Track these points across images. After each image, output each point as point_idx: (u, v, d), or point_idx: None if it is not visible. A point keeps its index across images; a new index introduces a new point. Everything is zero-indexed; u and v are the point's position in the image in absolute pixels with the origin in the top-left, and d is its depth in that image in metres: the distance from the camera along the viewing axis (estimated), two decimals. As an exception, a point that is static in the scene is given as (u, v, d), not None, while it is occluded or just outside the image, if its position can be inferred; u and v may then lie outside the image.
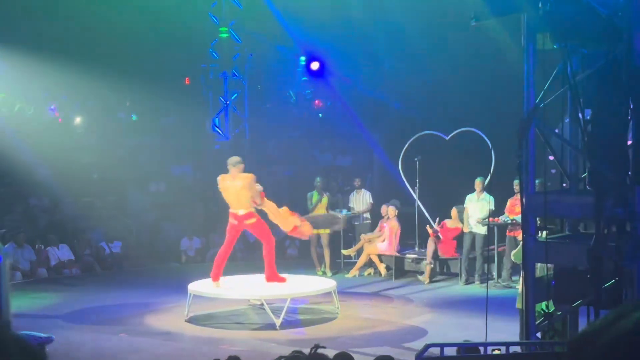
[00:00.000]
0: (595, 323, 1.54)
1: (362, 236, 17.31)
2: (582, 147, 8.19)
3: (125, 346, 11.59)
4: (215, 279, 13.15)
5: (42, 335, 4.21)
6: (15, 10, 21.29)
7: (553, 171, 12.29)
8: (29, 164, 21.13)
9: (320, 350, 2.99)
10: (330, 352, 6.34)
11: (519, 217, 14.92)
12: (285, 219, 13.48)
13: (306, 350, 3.15)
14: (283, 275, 13.51)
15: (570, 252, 7.97)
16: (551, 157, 9.64)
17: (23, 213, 18.70)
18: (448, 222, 16.61)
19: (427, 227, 16.63)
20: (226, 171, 13.19)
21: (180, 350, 11.46)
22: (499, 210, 15.88)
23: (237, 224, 13.06)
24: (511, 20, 8.47)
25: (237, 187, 12.87)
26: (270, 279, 13.25)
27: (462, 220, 16.43)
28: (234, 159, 13.30)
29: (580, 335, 1.54)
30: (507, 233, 15.80)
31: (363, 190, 18.10)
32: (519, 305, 10.02)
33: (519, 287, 10.25)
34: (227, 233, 13.34)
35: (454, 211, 16.54)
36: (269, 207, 13.36)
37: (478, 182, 16.23)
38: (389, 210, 16.91)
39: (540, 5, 7.91)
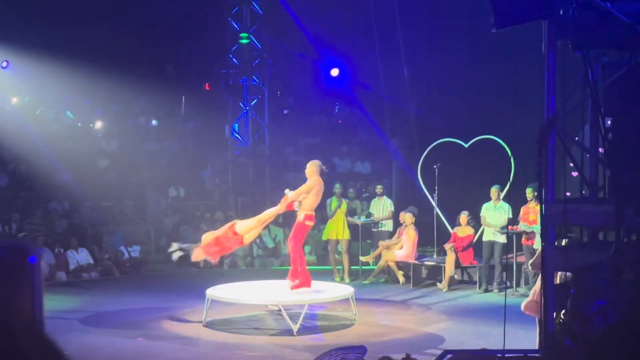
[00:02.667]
0: (612, 327, 1.53)
1: (380, 243, 17.29)
2: (602, 155, 8.15)
3: (142, 350, 11.61)
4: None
5: (356, 345, 4.29)
6: (38, 15, 21.45)
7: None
8: (49, 168, 21.25)
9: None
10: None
11: (534, 226, 14.95)
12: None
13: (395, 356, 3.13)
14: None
15: (589, 261, 7.93)
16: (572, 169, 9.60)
17: (43, 217, 18.80)
18: (459, 231, 16.56)
19: (445, 245, 16.56)
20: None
21: (197, 355, 11.46)
22: (516, 217, 15.84)
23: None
24: (532, 27, 8.45)
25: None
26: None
27: (473, 227, 16.43)
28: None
29: (598, 339, 1.53)
30: (522, 242, 15.77)
31: (384, 197, 18.03)
32: (523, 307, 9.98)
33: (532, 292, 10.21)
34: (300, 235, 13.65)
35: (463, 218, 16.50)
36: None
37: (494, 191, 16.20)
38: (406, 217, 16.89)
39: (561, 12, 7.89)
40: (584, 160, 8.86)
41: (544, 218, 7.98)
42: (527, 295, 14.84)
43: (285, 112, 26.20)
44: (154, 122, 25.26)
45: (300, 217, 13.22)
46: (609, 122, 7.86)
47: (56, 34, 21.00)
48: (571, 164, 9.68)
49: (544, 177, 7.84)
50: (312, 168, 13.61)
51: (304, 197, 13.23)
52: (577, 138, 9.15)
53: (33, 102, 23.44)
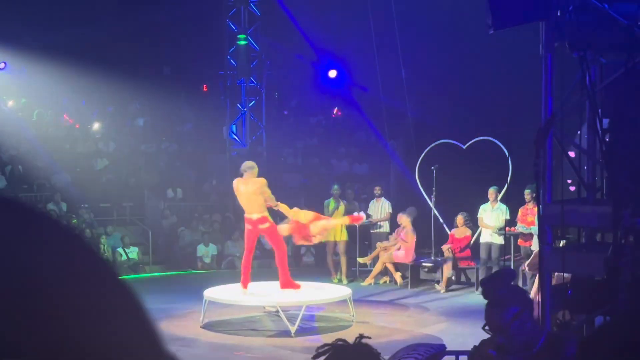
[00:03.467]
0: (606, 325, 1.54)
1: (378, 244, 17.29)
2: (600, 157, 8.16)
3: (140, 351, 11.60)
4: (244, 286, 13.21)
5: (435, 343, 4.35)
6: (35, 17, 21.45)
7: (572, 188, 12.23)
8: (47, 169, 21.25)
9: (364, 341, 3.02)
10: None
11: (532, 228, 14.94)
12: (300, 214, 13.49)
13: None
14: (298, 282, 13.48)
15: (587, 262, 7.93)
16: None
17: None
18: (456, 232, 16.56)
19: (443, 247, 16.57)
20: (242, 176, 13.25)
21: (195, 356, 11.46)
22: (513, 219, 15.84)
23: (252, 228, 13.07)
24: (529, 28, 8.46)
25: (249, 192, 12.87)
26: (284, 285, 13.23)
27: (470, 228, 16.43)
28: (247, 163, 13.37)
29: (591, 337, 1.54)
30: (519, 243, 15.78)
31: (382, 198, 18.05)
32: None
33: (532, 294, 10.21)
34: (245, 239, 13.38)
35: (460, 219, 16.50)
36: (283, 208, 13.44)
37: (491, 192, 16.22)
38: (404, 219, 16.87)
39: (559, 14, 7.89)
40: (582, 161, 8.86)
41: (541, 219, 7.98)
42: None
43: (285, 112, 26.21)
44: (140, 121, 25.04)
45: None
46: (606, 123, 7.86)
47: (53, 35, 21.00)
48: (569, 181, 9.71)
49: (541, 178, 7.83)
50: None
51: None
52: (571, 152, 9.15)
53: (30, 104, 23.44)
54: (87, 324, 0.80)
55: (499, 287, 4.72)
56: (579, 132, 9.20)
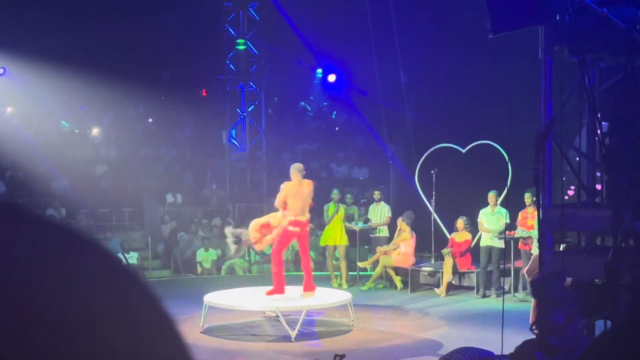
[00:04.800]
0: (607, 332, 1.53)
1: (378, 249, 17.27)
2: (599, 160, 8.15)
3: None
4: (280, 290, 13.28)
5: (484, 350, 4.35)
6: (35, 23, 21.46)
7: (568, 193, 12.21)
8: (47, 174, 21.23)
9: None
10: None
11: (532, 232, 14.92)
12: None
13: None
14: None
15: (587, 266, 7.93)
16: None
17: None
18: (456, 237, 16.55)
19: (443, 251, 16.55)
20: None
21: (195, 361, 11.43)
22: (513, 223, 15.83)
23: (300, 230, 13.12)
24: (529, 32, 8.46)
25: (304, 194, 13.06)
26: (309, 288, 13.42)
27: (471, 232, 16.42)
28: (299, 165, 13.52)
29: (594, 342, 1.53)
30: (519, 247, 15.76)
31: (382, 203, 18.03)
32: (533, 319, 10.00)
33: (533, 300, 10.21)
34: (282, 240, 13.31)
35: (460, 223, 16.49)
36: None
37: (491, 196, 16.21)
38: (403, 223, 16.85)
39: (558, 18, 7.89)
40: (582, 165, 8.87)
41: (541, 223, 7.98)
42: (526, 300, 14.89)
43: (284, 117, 26.22)
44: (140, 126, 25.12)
45: (284, 222, 13.16)
46: (606, 127, 7.86)
47: (53, 41, 21.00)
48: (570, 191, 9.71)
49: (541, 182, 7.83)
50: (290, 172, 13.43)
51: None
52: (574, 143, 9.15)
53: (30, 109, 23.43)
54: (110, 327, 0.80)
55: (556, 288, 4.70)
56: (578, 136, 9.20)
